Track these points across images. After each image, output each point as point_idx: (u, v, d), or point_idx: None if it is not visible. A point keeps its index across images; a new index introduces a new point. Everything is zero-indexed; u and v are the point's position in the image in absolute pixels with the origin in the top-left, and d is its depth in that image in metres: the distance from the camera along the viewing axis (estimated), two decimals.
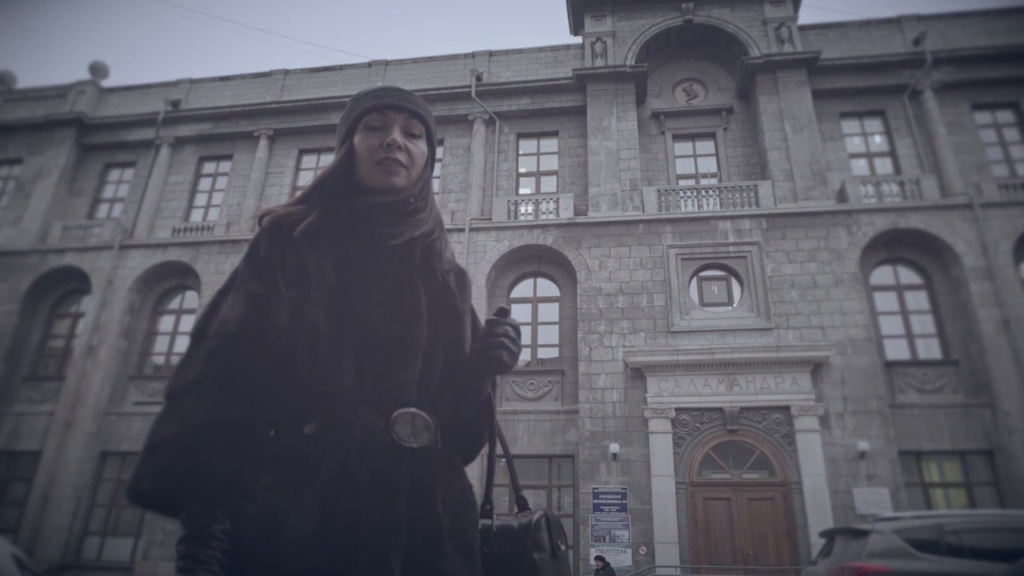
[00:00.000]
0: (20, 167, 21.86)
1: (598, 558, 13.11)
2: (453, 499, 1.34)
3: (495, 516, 1.44)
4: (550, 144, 19.74)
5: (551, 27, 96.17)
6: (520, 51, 20.86)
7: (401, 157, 1.42)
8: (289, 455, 1.24)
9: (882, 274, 16.49)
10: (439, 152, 20.00)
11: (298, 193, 1.49)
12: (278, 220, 1.38)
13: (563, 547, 1.50)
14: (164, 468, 1.16)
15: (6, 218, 20.84)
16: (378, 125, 1.44)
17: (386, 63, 21.43)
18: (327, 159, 19.95)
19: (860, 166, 18.08)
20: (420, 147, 1.48)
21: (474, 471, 15.20)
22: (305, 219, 1.37)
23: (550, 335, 17.13)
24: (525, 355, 17.02)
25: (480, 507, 1.44)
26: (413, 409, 1.30)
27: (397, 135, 1.43)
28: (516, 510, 1.54)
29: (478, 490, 1.36)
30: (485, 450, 1.58)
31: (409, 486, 1.26)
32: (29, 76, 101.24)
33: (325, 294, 1.30)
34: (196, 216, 20.62)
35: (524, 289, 17.83)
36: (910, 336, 15.78)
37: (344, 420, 1.25)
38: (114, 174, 21.89)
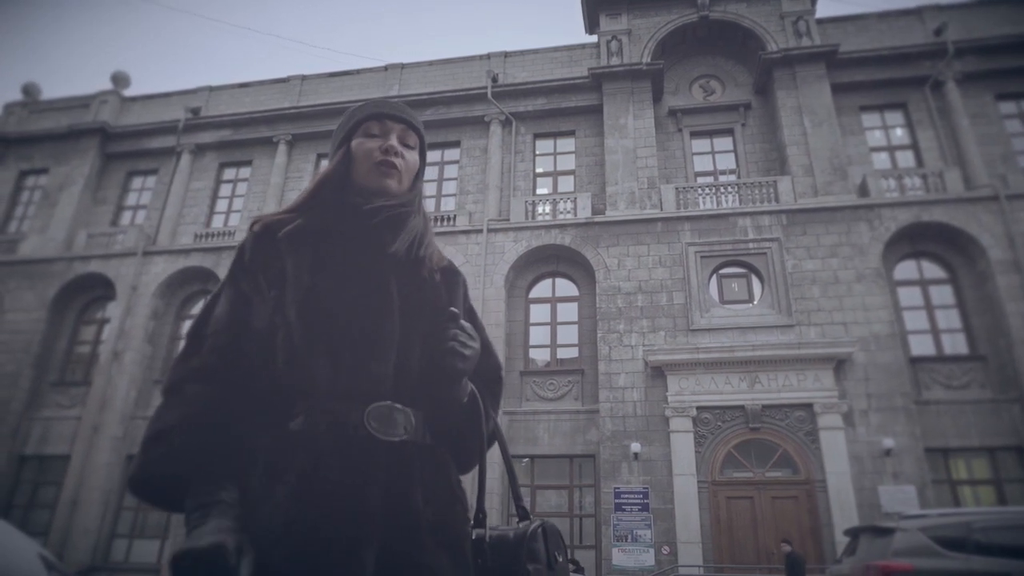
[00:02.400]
0: (46, 177, 22.29)
1: (571, 560, 13.04)
2: (437, 494, 1.35)
3: (489, 526, 1.43)
4: (567, 144, 19.70)
5: (566, 27, 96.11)
6: (535, 51, 20.85)
7: (397, 161, 1.48)
8: (266, 449, 1.26)
9: (905, 269, 16.25)
10: (456, 154, 20.10)
11: (297, 197, 1.53)
12: (267, 226, 1.43)
13: (560, 558, 1.47)
14: (175, 451, 1.19)
15: (33, 227, 21.25)
16: (377, 132, 1.51)
17: (402, 66, 21.54)
18: None
19: (881, 160, 17.84)
20: (413, 156, 1.55)
21: (495, 479, 15.22)
22: (291, 224, 1.42)
23: (569, 335, 17.10)
24: (545, 355, 17.01)
25: (474, 516, 1.44)
26: (389, 402, 1.32)
27: (394, 141, 1.50)
28: (516, 519, 1.53)
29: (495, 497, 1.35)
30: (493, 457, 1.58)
31: (386, 479, 1.27)
32: (53, 87, 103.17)
33: (299, 294, 1.33)
34: (217, 222, 20.87)
35: (543, 289, 17.81)
36: (935, 331, 15.54)
37: (320, 414, 1.27)
38: (137, 182, 22.23)
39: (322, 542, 1.18)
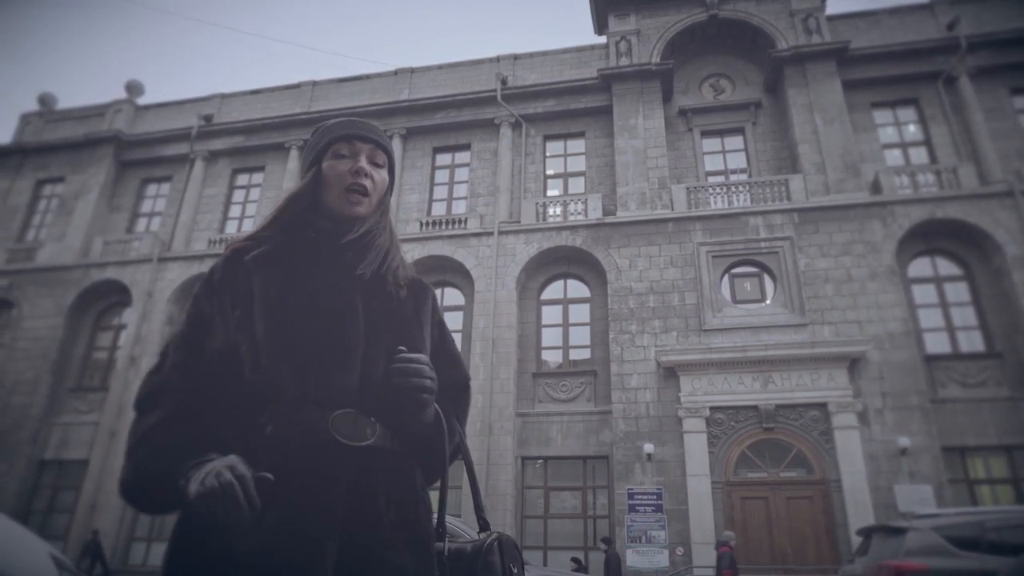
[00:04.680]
0: (62, 185, 22.59)
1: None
2: (400, 495, 1.40)
3: (447, 540, 1.49)
4: (577, 145, 19.71)
5: (575, 28, 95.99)
6: (544, 53, 20.88)
7: (367, 183, 1.52)
8: (236, 452, 1.30)
9: (920, 266, 16.11)
10: (466, 157, 20.16)
11: (267, 216, 1.58)
12: (236, 250, 1.49)
13: (515, 570, 1.54)
14: (162, 447, 1.27)
15: (50, 235, 21.54)
16: (346, 153, 1.55)
17: (412, 70, 21.63)
18: None
19: (894, 156, 17.69)
20: (383, 175, 1.58)
21: (508, 481, 15.24)
22: (260, 247, 1.48)
23: (581, 336, 17.09)
24: (557, 357, 17.01)
25: (435, 531, 1.48)
26: (353, 410, 1.37)
27: (364, 163, 1.54)
28: (478, 530, 1.60)
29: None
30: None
31: (350, 481, 1.32)
32: (69, 97, 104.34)
33: (267, 309, 1.39)
34: (231, 227, 21.04)
35: (554, 291, 17.81)
36: (951, 329, 15.39)
37: (288, 421, 1.32)
38: (151, 189, 22.49)
39: (286, 536, 1.23)
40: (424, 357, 1.43)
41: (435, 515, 1.51)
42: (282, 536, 1.23)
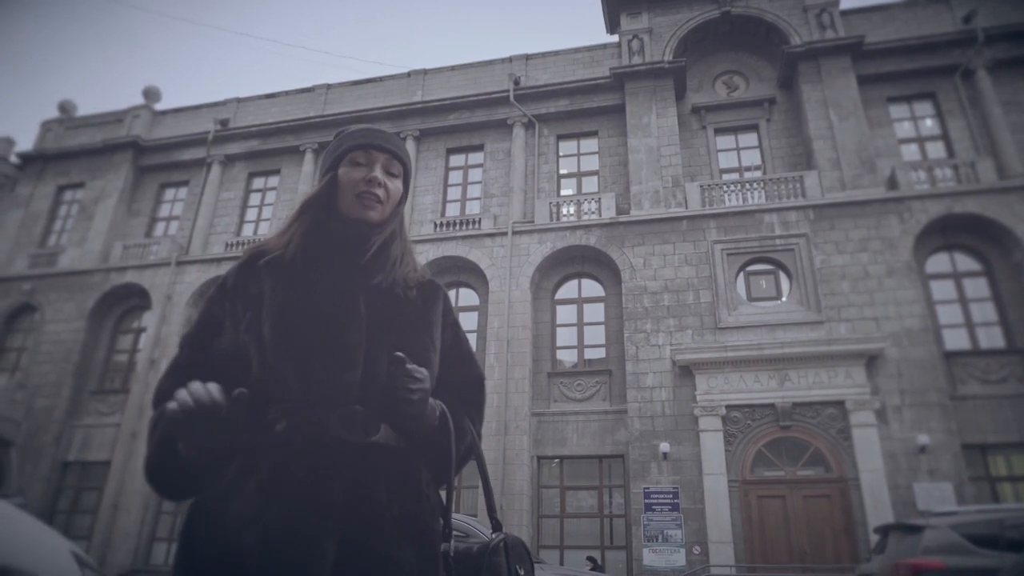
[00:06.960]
0: (82, 191, 22.92)
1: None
2: (404, 491, 1.42)
3: (453, 541, 1.50)
4: (590, 144, 19.69)
5: (587, 27, 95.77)
6: (556, 53, 20.87)
7: (379, 192, 1.55)
8: (242, 450, 1.36)
9: (938, 262, 15.93)
10: (479, 157, 20.21)
11: (285, 220, 1.63)
12: (252, 255, 1.55)
13: (521, 571, 1.56)
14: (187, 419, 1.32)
15: (71, 240, 21.85)
16: (362, 161, 1.57)
17: (425, 72, 21.71)
18: None
19: (911, 151, 17.51)
20: (397, 185, 1.60)
21: (524, 480, 15.26)
22: (274, 253, 1.53)
23: (596, 335, 17.08)
24: (572, 356, 17.01)
25: (440, 531, 1.50)
26: (357, 407, 1.40)
27: (379, 172, 1.56)
28: (491, 530, 1.63)
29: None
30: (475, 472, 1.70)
31: (350, 475, 1.35)
32: (88, 104, 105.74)
33: (275, 311, 1.44)
34: (247, 230, 21.24)
35: (569, 290, 17.81)
36: (970, 325, 15.21)
37: (293, 418, 1.36)
38: (169, 193, 22.75)
39: (285, 531, 1.27)
40: (422, 370, 1.42)
41: (437, 509, 1.52)
42: (281, 532, 1.27)
